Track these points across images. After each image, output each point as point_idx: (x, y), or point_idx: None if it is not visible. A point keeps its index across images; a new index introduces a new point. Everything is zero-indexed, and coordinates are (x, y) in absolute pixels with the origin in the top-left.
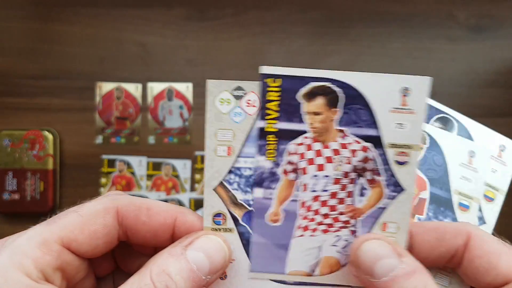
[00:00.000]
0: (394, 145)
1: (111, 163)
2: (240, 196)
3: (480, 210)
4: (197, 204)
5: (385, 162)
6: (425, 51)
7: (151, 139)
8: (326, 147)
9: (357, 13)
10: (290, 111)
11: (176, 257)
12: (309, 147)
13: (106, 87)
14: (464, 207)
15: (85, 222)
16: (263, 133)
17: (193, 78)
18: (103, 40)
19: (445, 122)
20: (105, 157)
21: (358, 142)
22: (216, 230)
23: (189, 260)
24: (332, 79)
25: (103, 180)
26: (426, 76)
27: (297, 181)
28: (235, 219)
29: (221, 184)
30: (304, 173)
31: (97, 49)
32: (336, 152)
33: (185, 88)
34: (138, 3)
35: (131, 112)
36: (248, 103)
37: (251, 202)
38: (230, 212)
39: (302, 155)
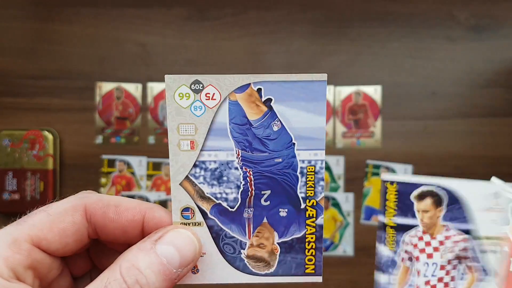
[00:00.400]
0: (488, 238)
1: (111, 163)
2: (206, 189)
3: None
4: None
5: (481, 251)
6: (425, 51)
7: (151, 139)
8: (434, 238)
9: (357, 13)
10: (405, 209)
11: (146, 252)
12: (420, 238)
13: (106, 87)
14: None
15: (53, 220)
16: (383, 226)
17: None
18: (103, 40)
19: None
20: (105, 157)
21: (459, 235)
22: (185, 224)
23: (158, 254)
24: (437, 185)
25: (103, 180)
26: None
27: (412, 267)
28: (203, 213)
29: (187, 178)
30: (417, 261)
31: (97, 49)
32: (441, 243)
33: None
34: (138, 3)
35: (131, 112)
36: (207, 96)
37: (218, 195)
38: (198, 206)
39: (415, 245)
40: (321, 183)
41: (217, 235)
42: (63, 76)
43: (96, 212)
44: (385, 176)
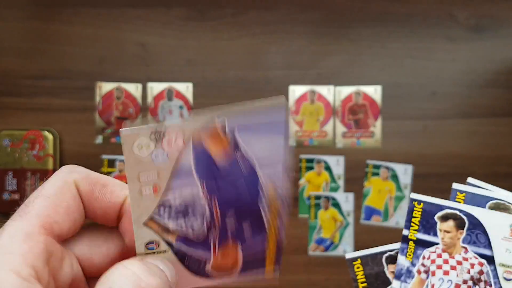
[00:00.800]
0: (503, 265)
1: (111, 163)
2: (172, 225)
3: None
4: None
5: (495, 276)
6: (425, 51)
7: None
8: (452, 257)
9: (357, 13)
10: (428, 226)
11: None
12: (439, 255)
13: (106, 87)
14: (508, 280)
15: (55, 202)
16: (406, 239)
17: (193, 78)
18: (103, 40)
19: (498, 206)
20: (105, 157)
21: (476, 258)
22: (150, 253)
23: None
24: (460, 209)
25: None
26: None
27: (427, 280)
28: (168, 243)
29: (151, 218)
30: (433, 275)
31: (97, 49)
32: (459, 262)
33: (185, 88)
34: (138, 3)
35: (131, 112)
36: (170, 143)
37: (183, 227)
38: (163, 239)
39: (433, 261)
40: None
41: (182, 257)
42: (63, 76)
43: (84, 189)
44: (414, 195)
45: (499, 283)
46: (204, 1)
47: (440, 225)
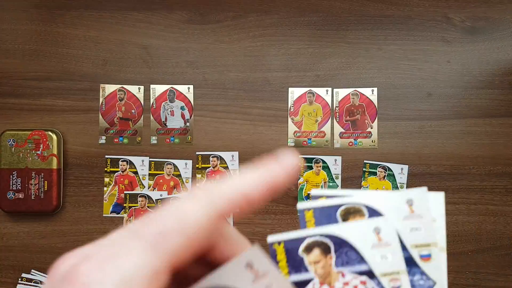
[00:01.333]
0: (385, 274)
1: (114, 163)
2: None
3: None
4: None
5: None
6: (421, 53)
7: (153, 139)
8: (332, 287)
9: (354, 16)
10: (296, 265)
11: None
12: None
13: (109, 88)
14: None
15: (191, 241)
16: None
17: (194, 80)
18: (106, 42)
19: (349, 211)
20: (108, 157)
21: (356, 278)
22: None
23: None
24: (319, 234)
25: (106, 179)
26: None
27: None
28: None
29: None
30: None
31: (100, 51)
32: None
33: (187, 90)
34: (140, 7)
35: (133, 113)
36: None
37: None
38: None
39: None
40: None
41: None
42: (67, 78)
43: (223, 225)
44: (270, 238)
45: None
46: (205, 4)
47: (307, 258)
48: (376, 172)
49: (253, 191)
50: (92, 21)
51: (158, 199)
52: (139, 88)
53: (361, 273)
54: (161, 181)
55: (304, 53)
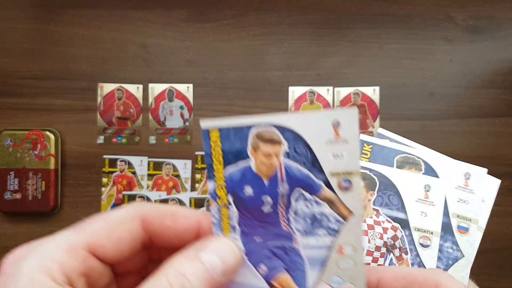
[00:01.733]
0: (418, 229)
1: (113, 163)
2: None
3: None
4: (198, 204)
5: (411, 242)
6: (423, 52)
7: (152, 139)
8: (363, 221)
9: (355, 15)
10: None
11: (191, 260)
12: None
13: (107, 87)
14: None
15: (112, 228)
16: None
17: (194, 79)
18: (105, 41)
19: (407, 161)
20: (107, 157)
21: (389, 222)
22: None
23: (203, 261)
24: (371, 169)
25: (104, 179)
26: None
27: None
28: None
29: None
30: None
31: (99, 50)
32: (370, 227)
33: (186, 89)
34: (139, 5)
35: (132, 112)
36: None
37: None
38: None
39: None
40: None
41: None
42: (65, 77)
43: (153, 221)
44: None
45: (416, 250)
46: (205, 3)
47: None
48: None
49: (183, 216)
50: (91, 20)
51: (157, 200)
52: (137, 87)
53: (396, 220)
54: (160, 181)
55: (304, 52)
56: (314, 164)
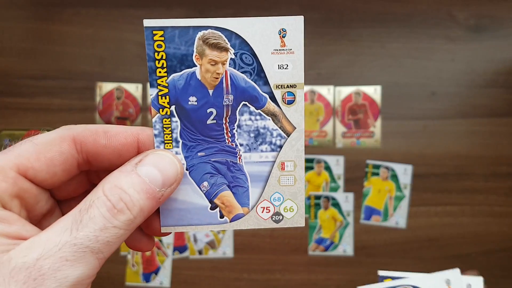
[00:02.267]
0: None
1: None
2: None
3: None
4: None
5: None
6: (424, 51)
7: None
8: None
9: (356, 13)
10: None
11: (127, 173)
12: None
13: (106, 87)
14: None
15: (40, 150)
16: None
17: None
18: (103, 40)
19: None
20: None
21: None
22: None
23: (140, 174)
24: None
25: None
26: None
27: None
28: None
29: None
30: None
31: (97, 49)
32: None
33: None
34: (138, 4)
35: (131, 112)
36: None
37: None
38: None
39: None
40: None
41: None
42: (64, 76)
43: (86, 140)
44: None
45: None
46: (204, 1)
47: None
48: (379, 173)
49: (118, 133)
50: (89, 19)
51: None
52: (137, 87)
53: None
54: None
55: (306, 50)
56: (260, 74)
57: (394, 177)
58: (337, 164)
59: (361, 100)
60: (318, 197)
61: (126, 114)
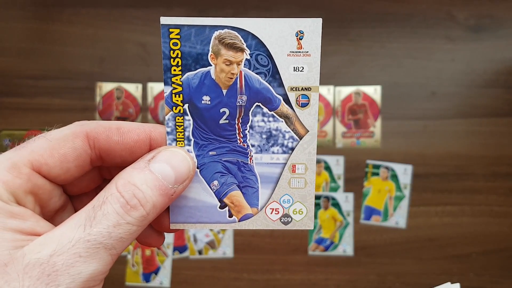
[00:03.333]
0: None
1: None
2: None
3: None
4: None
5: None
6: (424, 51)
7: None
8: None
9: (356, 14)
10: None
11: (140, 170)
12: None
13: (106, 87)
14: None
15: (54, 146)
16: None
17: None
18: (103, 40)
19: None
20: None
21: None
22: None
23: (153, 171)
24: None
25: None
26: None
27: None
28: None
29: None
30: None
31: (97, 49)
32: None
33: None
34: (138, 4)
35: (131, 112)
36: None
37: None
38: None
39: None
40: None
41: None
42: (64, 76)
43: (99, 137)
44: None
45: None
46: (204, 1)
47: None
48: (379, 173)
49: (130, 130)
50: (89, 19)
51: None
52: (137, 87)
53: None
54: None
55: None
56: (275, 76)
57: (394, 177)
58: (337, 164)
59: (361, 100)
60: (318, 197)
61: (126, 114)
